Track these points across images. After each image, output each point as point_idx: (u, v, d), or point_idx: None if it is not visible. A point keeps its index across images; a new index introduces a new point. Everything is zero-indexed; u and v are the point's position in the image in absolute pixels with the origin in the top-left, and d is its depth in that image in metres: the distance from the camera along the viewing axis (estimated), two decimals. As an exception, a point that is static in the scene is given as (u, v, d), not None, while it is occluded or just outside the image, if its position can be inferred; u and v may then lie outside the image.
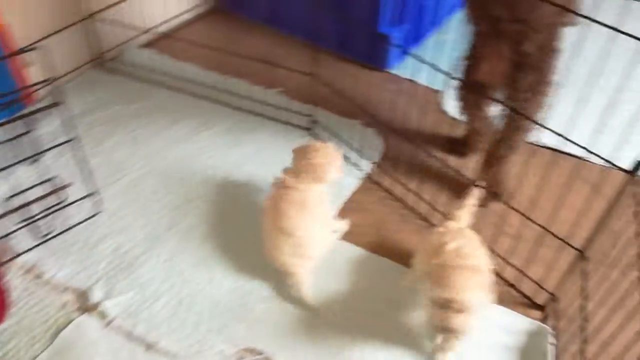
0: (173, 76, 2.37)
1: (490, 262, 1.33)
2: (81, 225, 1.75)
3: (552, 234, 1.42)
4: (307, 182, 1.60)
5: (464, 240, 1.36)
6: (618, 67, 2.39)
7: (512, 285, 1.58)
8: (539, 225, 1.45)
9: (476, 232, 1.48)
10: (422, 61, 1.59)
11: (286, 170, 1.65)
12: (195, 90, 2.34)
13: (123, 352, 1.41)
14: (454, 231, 1.39)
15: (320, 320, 1.48)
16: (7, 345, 1.43)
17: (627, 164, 1.18)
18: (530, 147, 1.46)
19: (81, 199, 1.77)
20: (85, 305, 1.52)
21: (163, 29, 2.62)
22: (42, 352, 1.41)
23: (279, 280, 1.57)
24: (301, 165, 1.62)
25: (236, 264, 1.63)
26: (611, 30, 1.06)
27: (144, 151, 2.05)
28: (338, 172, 1.66)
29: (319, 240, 1.56)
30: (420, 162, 1.84)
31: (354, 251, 1.68)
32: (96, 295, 1.53)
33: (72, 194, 1.80)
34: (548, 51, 1.49)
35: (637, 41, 1.03)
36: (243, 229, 1.74)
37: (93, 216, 1.77)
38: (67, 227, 1.73)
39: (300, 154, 1.65)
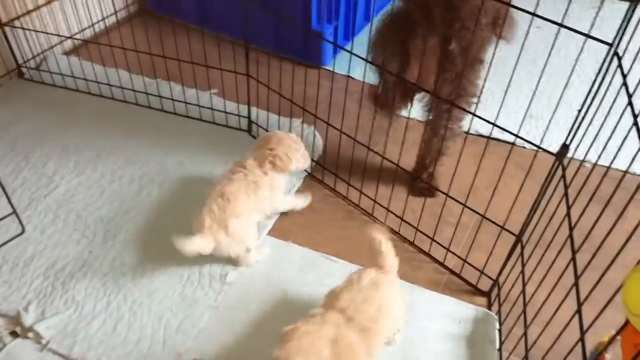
0: (100, 82, 2.27)
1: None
2: (9, 245, 1.64)
3: (490, 220, 1.45)
4: (269, 170, 1.62)
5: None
6: (544, 52, 2.48)
7: (455, 274, 1.60)
8: (477, 212, 1.47)
9: (417, 225, 1.49)
10: (357, 56, 1.58)
11: (249, 156, 1.66)
12: (125, 95, 2.25)
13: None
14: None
15: (269, 327, 1.45)
16: None
17: (554, 148, 1.21)
18: (465, 137, 1.49)
19: (1, 219, 1.66)
20: (18, 329, 1.43)
21: (87, 34, 2.50)
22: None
23: (226, 288, 1.53)
24: (264, 153, 1.63)
25: (179, 274, 1.57)
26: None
27: (74, 162, 1.95)
28: (301, 162, 1.69)
29: (250, 230, 1.57)
30: (361, 157, 1.83)
31: (300, 251, 1.66)
32: (29, 318, 1.44)
33: (-4, 213, 1.70)
34: (472, 59, 1.52)
35: (555, 25, 1.06)
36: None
37: (16, 237, 1.66)
38: (-9, 248, 1.62)
39: (263, 142, 1.66)
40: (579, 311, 0.97)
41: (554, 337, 1.05)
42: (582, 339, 0.93)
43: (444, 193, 1.53)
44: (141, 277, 1.56)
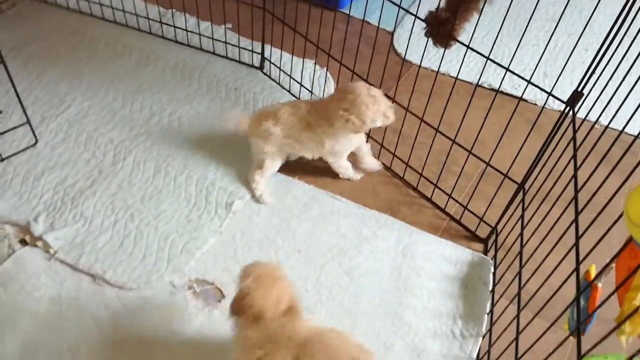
0: (115, 8, 2.25)
1: None
2: (21, 159, 1.67)
3: (494, 168, 1.48)
4: (339, 129, 1.55)
5: None
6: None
7: (455, 220, 1.64)
8: (482, 160, 1.49)
9: (421, 171, 1.52)
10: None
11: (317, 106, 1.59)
12: (139, 24, 2.24)
13: (68, 283, 1.39)
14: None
15: (270, 256, 1.50)
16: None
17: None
18: (476, 90, 1.49)
19: (14, 128, 1.69)
20: (27, 237, 1.47)
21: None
22: (-20, 285, 1.37)
23: (231, 216, 1.57)
24: (336, 112, 1.52)
25: (187, 199, 1.61)
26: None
27: (86, 85, 1.96)
28: (379, 121, 1.54)
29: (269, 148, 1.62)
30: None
31: (306, 188, 1.69)
32: (38, 228, 1.49)
33: (7, 124, 1.72)
34: None
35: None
36: (192, 164, 1.71)
37: (29, 147, 1.70)
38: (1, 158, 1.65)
39: (340, 97, 1.53)
40: (576, 270, 0.99)
41: (546, 284, 1.09)
42: (577, 289, 0.96)
43: (450, 139, 1.54)
44: (149, 200, 1.60)
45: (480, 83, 1.90)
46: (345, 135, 1.58)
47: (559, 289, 1.02)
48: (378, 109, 1.51)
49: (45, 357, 1.25)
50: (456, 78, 1.54)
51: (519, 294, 1.25)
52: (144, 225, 1.53)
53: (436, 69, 1.78)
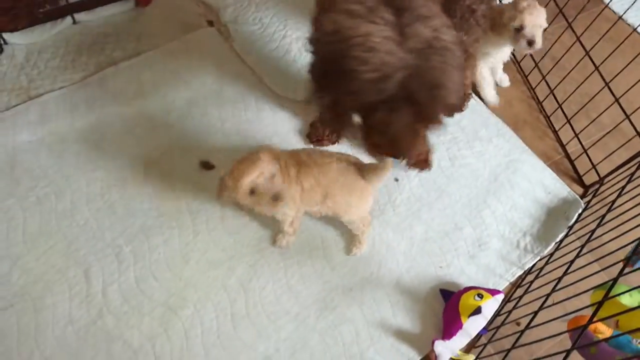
0: None
1: None
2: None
3: (632, 123, 1.51)
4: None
5: None
6: None
7: (569, 158, 1.71)
8: (624, 112, 1.53)
9: (561, 103, 1.57)
10: None
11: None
12: None
13: (238, 68, 1.67)
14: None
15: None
16: (146, 25, 1.71)
17: None
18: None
19: None
20: (215, 20, 1.75)
21: None
22: (172, 41, 1.69)
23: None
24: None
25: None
26: None
27: None
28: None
29: None
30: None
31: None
32: (226, 17, 1.75)
33: None
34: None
35: None
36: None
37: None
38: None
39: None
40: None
41: (619, 239, 1.19)
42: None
43: (605, 81, 1.57)
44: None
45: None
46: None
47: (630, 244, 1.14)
48: (533, 21, 1.52)
49: (200, 115, 1.58)
50: (634, 29, 1.53)
51: (588, 240, 1.37)
52: (304, 49, 1.75)
53: (620, 13, 1.74)
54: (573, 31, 1.66)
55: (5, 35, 1.57)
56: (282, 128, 1.59)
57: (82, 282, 1.30)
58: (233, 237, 1.40)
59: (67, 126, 1.49)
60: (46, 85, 1.55)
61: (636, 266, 1.02)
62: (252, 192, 1.17)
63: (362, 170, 1.27)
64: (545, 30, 1.55)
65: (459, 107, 0.98)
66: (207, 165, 1.49)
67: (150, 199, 1.42)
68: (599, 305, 0.93)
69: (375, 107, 0.92)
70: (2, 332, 1.22)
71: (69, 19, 1.65)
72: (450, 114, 1.00)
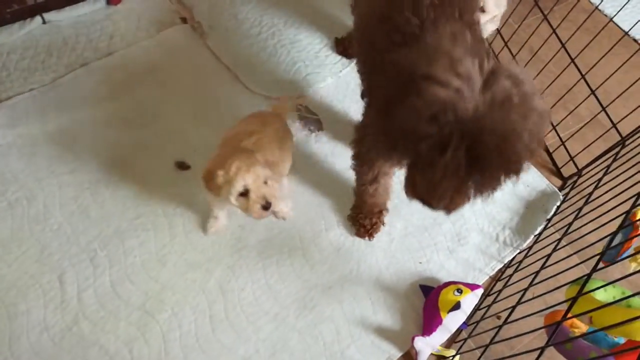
0: None
1: None
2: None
3: (607, 114, 1.52)
4: None
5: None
6: None
7: (547, 151, 1.72)
8: (601, 104, 1.53)
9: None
10: None
11: None
12: None
13: (212, 66, 1.65)
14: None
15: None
16: (118, 23, 1.68)
17: None
18: (624, 39, 1.49)
19: None
20: (188, 17, 1.73)
21: None
22: (145, 39, 1.66)
23: (350, 67, 1.73)
24: None
25: (321, 36, 1.77)
26: None
27: None
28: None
29: None
30: None
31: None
32: (200, 13, 1.73)
33: None
34: None
35: None
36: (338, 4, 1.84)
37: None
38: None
39: None
40: (627, 212, 1.09)
41: (596, 232, 1.19)
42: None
43: (581, 73, 1.57)
44: (290, 26, 1.78)
45: (631, 34, 1.82)
46: None
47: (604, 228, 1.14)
48: None
49: (175, 114, 1.55)
50: (610, 19, 1.53)
51: (566, 231, 1.38)
52: (280, 45, 1.73)
53: (597, 4, 1.74)
54: (549, 23, 1.66)
55: (-28, 37, 1.54)
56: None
57: (57, 288, 1.27)
58: (211, 238, 1.38)
59: (37, 129, 1.46)
60: (15, 87, 1.51)
61: (616, 259, 1.02)
62: (244, 194, 1.15)
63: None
64: (522, 22, 1.55)
65: (518, 172, 0.85)
66: (182, 166, 1.47)
67: (124, 202, 1.40)
68: (573, 301, 0.93)
69: (429, 137, 0.81)
70: (-25, 340, 1.20)
71: (38, 19, 1.61)
72: (507, 176, 0.85)
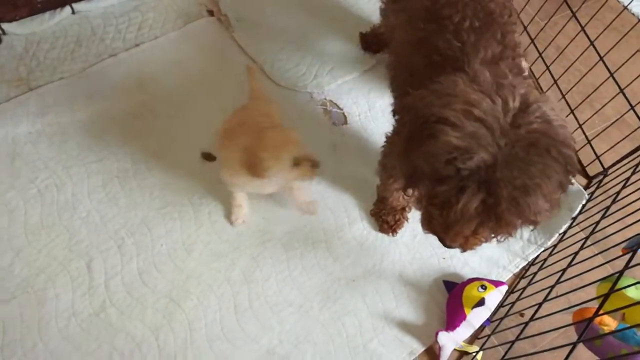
0: None
1: None
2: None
3: (636, 113, 1.50)
4: None
5: None
6: None
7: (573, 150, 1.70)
8: (629, 102, 1.52)
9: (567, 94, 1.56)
10: None
11: None
12: None
13: (239, 59, 1.66)
14: None
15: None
16: (146, 15, 1.69)
17: None
18: None
19: None
20: (215, 10, 1.74)
21: None
22: (172, 31, 1.67)
23: (375, 63, 1.73)
24: None
25: (350, 34, 1.77)
26: None
27: None
28: None
29: None
30: None
31: None
32: (226, 6, 1.73)
33: None
34: None
35: None
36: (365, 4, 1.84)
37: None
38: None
39: None
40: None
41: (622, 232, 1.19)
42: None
43: (609, 71, 1.56)
44: (320, 16, 1.77)
45: None
46: None
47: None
48: None
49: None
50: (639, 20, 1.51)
51: (593, 230, 1.37)
52: (306, 39, 1.73)
53: (625, 3, 1.73)
54: (577, 21, 1.64)
55: (4, 26, 1.55)
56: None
57: (85, 275, 1.29)
58: (236, 229, 1.40)
59: (67, 118, 1.48)
60: (45, 76, 1.53)
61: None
62: (296, 164, 1.16)
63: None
64: (549, 19, 1.54)
65: (537, 223, 0.84)
66: (208, 157, 1.49)
67: (152, 191, 1.41)
68: (605, 297, 0.93)
69: (446, 179, 0.80)
70: (6, 324, 1.22)
71: (68, 9, 1.63)
72: (525, 224, 0.84)
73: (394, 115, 1.25)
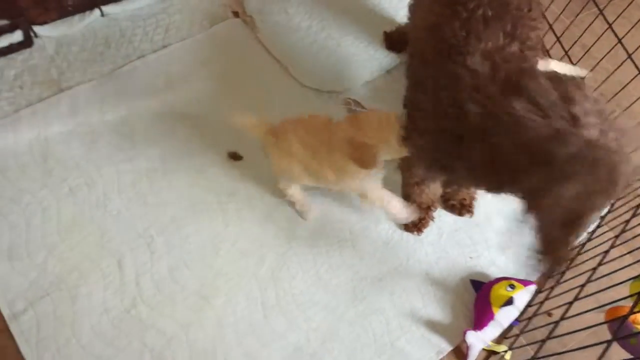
0: None
1: None
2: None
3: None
4: None
5: None
6: None
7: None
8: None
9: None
10: None
11: None
12: None
13: (264, 59, 1.67)
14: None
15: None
16: (173, 17, 1.72)
17: None
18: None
19: None
20: (240, 11, 1.75)
21: None
22: (199, 33, 1.69)
23: (400, 62, 1.73)
24: None
25: (373, 32, 1.78)
26: None
27: None
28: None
29: None
30: None
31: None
32: (251, 7, 1.75)
33: None
34: None
35: None
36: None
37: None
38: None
39: None
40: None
41: None
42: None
43: (638, 68, 1.54)
44: (341, 16, 1.78)
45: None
46: None
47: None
48: None
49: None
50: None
51: (624, 229, 1.35)
52: (330, 39, 1.74)
53: (657, 1, 1.71)
54: (605, 19, 1.63)
55: (36, 28, 1.59)
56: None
57: (116, 272, 1.31)
58: (263, 227, 1.41)
59: (97, 118, 1.51)
60: (76, 77, 1.56)
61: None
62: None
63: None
64: (575, 17, 1.53)
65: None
66: (235, 156, 1.50)
67: (180, 190, 1.43)
68: None
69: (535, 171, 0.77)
70: (40, 320, 1.24)
71: (97, 12, 1.66)
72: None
73: (404, 107, 1.24)
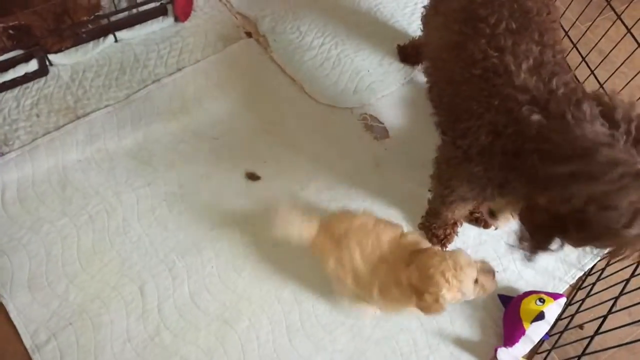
0: None
1: None
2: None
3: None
4: None
5: None
6: None
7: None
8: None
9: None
10: None
11: None
12: None
13: (278, 78, 1.67)
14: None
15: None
16: (187, 40, 1.72)
17: None
18: None
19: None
20: (253, 31, 1.75)
21: None
22: (212, 54, 1.69)
23: (414, 76, 1.71)
24: None
25: (385, 45, 1.77)
26: None
27: None
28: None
29: None
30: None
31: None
32: (263, 27, 1.75)
33: None
34: None
35: None
36: (399, 13, 1.83)
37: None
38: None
39: None
40: None
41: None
42: None
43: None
44: (354, 34, 1.78)
45: None
46: None
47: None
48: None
49: (244, 126, 1.57)
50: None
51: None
52: (343, 55, 1.73)
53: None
54: (623, 23, 1.60)
55: (51, 57, 1.59)
56: (324, 135, 1.58)
57: (138, 299, 1.30)
58: (283, 247, 1.39)
59: (114, 144, 1.51)
60: (92, 104, 1.57)
61: None
62: (476, 281, 1.09)
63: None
64: (592, 23, 1.51)
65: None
66: (253, 177, 1.49)
67: (199, 213, 1.42)
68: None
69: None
70: (63, 351, 1.23)
71: (110, 38, 1.66)
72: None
73: (437, 129, 1.23)
